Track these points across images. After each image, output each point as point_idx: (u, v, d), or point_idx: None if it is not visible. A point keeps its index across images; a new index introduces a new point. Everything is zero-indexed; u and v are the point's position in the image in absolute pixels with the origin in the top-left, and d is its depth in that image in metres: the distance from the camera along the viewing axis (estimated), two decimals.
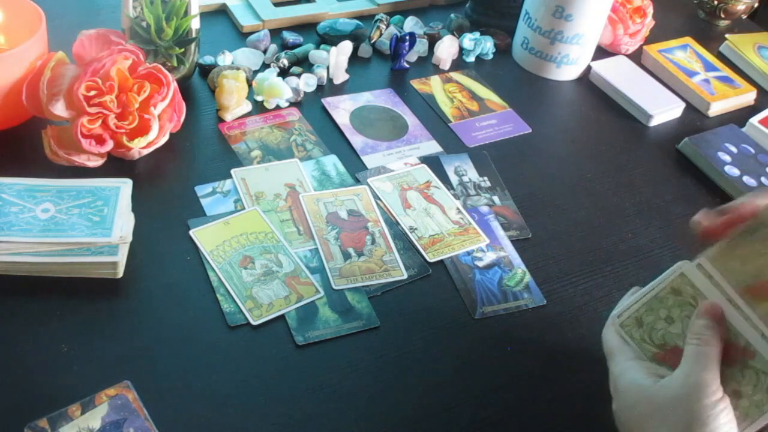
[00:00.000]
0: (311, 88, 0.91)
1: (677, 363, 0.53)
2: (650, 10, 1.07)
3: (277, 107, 0.88)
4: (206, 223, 0.71)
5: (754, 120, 0.97)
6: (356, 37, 0.98)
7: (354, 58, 0.97)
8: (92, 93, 0.71)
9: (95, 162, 0.74)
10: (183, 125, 0.79)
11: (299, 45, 0.97)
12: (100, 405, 0.55)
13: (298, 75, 0.91)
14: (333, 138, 0.85)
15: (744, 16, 1.23)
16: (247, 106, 0.86)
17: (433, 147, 0.87)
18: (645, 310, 0.57)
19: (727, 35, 1.15)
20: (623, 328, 0.58)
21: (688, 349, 0.52)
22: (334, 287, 0.68)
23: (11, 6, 0.79)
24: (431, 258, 0.72)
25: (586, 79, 1.03)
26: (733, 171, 0.88)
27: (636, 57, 1.08)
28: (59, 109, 0.71)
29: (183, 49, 0.83)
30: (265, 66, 0.94)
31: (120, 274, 0.65)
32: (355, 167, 0.82)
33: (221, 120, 0.84)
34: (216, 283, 0.66)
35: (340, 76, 0.94)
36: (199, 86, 0.89)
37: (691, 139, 0.92)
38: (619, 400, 0.54)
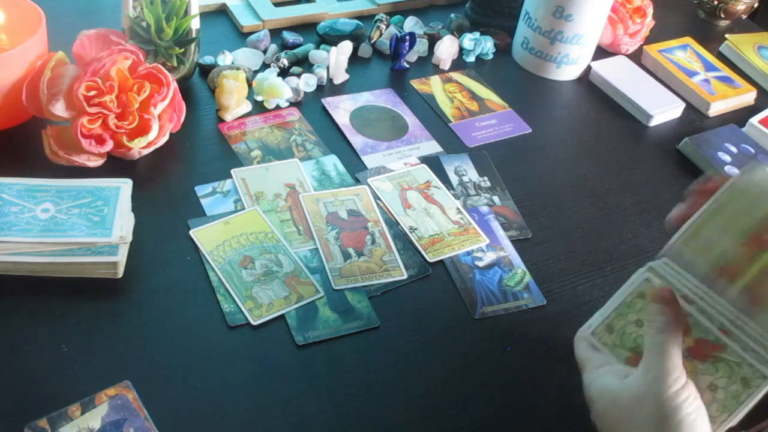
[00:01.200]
0: (311, 88, 0.91)
1: None
2: (650, 10, 1.07)
3: (277, 107, 0.88)
4: (206, 223, 0.71)
5: (754, 120, 0.97)
6: (356, 37, 0.98)
7: (354, 58, 0.97)
8: (92, 93, 0.71)
9: (95, 162, 0.74)
10: (183, 125, 0.79)
11: (299, 45, 0.98)
12: (100, 405, 0.55)
13: (298, 75, 0.91)
14: (333, 138, 0.85)
15: (744, 16, 1.23)
16: (247, 106, 0.86)
17: (433, 147, 0.87)
18: (615, 316, 0.58)
19: (727, 35, 1.15)
20: (595, 337, 0.58)
21: (646, 341, 0.52)
22: (334, 287, 0.68)
23: (11, 6, 0.79)
24: (431, 258, 0.72)
25: (586, 79, 1.03)
26: (733, 171, 0.88)
27: (636, 57, 1.08)
28: (59, 109, 0.71)
29: (183, 49, 0.83)
30: (265, 66, 0.94)
31: (120, 274, 0.65)
32: (355, 167, 0.82)
33: (221, 120, 0.84)
34: (216, 283, 0.66)
35: (340, 76, 0.94)
36: (199, 86, 0.89)
37: (691, 139, 0.92)
38: (595, 408, 0.54)
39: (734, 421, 0.52)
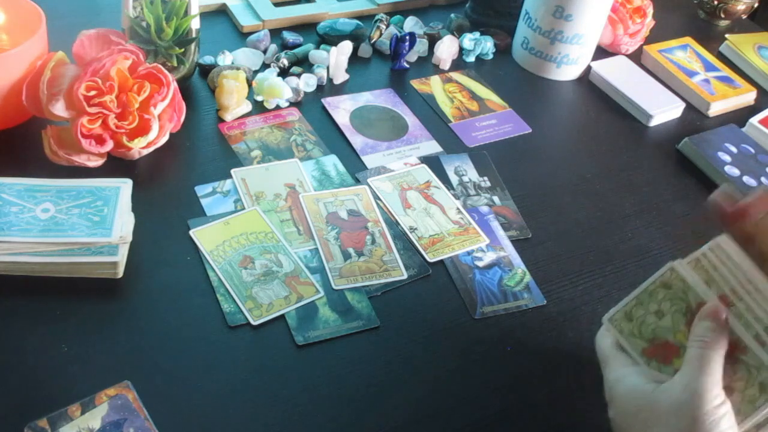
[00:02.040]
0: (311, 88, 0.91)
1: (668, 358, 0.53)
2: (650, 10, 1.07)
3: (277, 107, 0.88)
4: (206, 223, 0.71)
5: (754, 120, 0.97)
6: (356, 37, 0.98)
7: (354, 58, 0.97)
8: (92, 93, 0.71)
9: (95, 162, 0.74)
10: (183, 125, 0.79)
11: (299, 45, 0.98)
12: (100, 405, 0.55)
13: (298, 75, 0.91)
14: (333, 138, 0.85)
15: (744, 16, 1.23)
16: (247, 106, 0.86)
17: (433, 147, 0.87)
18: (635, 304, 0.57)
19: (727, 35, 1.15)
20: (613, 323, 0.58)
21: (690, 353, 0.52)
22: (334, 287, 0.68)
23: (11, 6, 0.79)
24: (431, 258, 0.72)
25: (586, 79, 1.03)
26: (733, 171, 0.88)
27: (636, 57, 1.08)
28: (59, 109, 0.71)
29: (183, 49, 0.83)
30: (265, 66, 0.94)
31: (120, 274, 0.65)
32: (355, 167, 0.82)
33: (221, 120, 0.84)
34: (216, 283, 0.66)
35: (340, 76, 0.94)
36: (199, 86, 0.89)
37: (691, 139, 0.92)
38: (617, 407, 0.54)
39: (748, 425, 0.51)
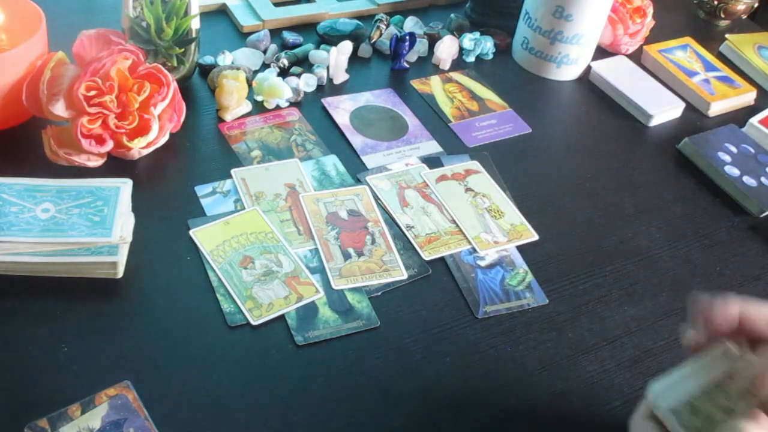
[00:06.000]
0: (311, 88, 0.91)
1: None
2: (650, 10, 1.07)
3: (277, 107, 0.88)
4: (206, 223, 0.71)
5: (754, 120, 0.97)
6: (356, 37, 0.98)
7: (354, 58, 0.97)
8: (92, 93, 0.71)
9: (95, 162, 0.74)
10: (183, 125, 0.79)
11: (299, 45, 0.98)
12: (100, 405, 0.55)
13: (298, 75, 0.91)
14: (333, 138, 0.85)
15: (744, 16, 1.23)
16: (247, 106, 0.86)
17: (433, 147, 0.87)
18: (702, 398, 0.50)
19: (727, 35, 1.15)
20: (675, 415, 0.49)
21: None
22: (334, 287, 0.68)
23: (11, 6, 0.79)
24: (427, 256, 0.72)
25: (586, 79, 1.03)
26: (733, 171, 0.88)
27: (636, 57, 1.08)
28: (59, 109, 0.71)
29: (183, 49, 0.83)
30: (265, 66, 0.94)
31: (120, 274, 0.65)
32: (355, 167, 0.82)
33: (221, 120, 0.84)
34: (216, 283, 0.66)
35: (340, 76, 0.94)
36: (199, 86, 0.89)
37: (691, 139, 0.92)
38: None
39: None
